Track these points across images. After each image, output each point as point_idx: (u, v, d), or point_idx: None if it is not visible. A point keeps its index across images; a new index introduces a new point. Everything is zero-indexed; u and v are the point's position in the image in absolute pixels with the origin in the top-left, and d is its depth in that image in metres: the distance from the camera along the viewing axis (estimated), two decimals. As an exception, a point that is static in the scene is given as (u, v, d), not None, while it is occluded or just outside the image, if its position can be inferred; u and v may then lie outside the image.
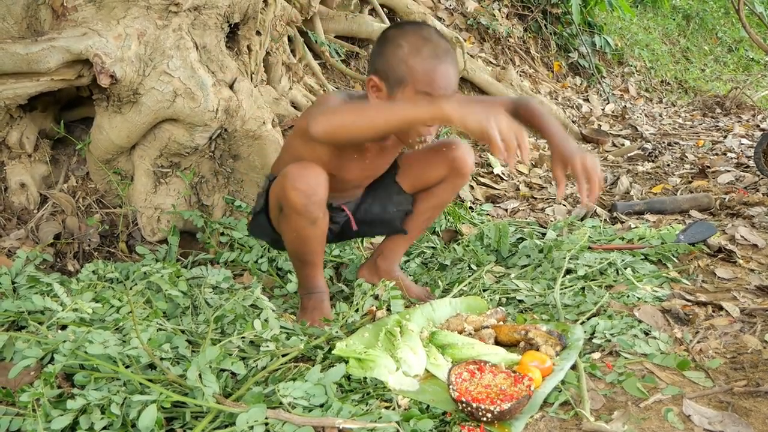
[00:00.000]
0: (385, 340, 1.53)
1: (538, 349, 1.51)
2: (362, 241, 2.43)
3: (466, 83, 4.52)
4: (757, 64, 9.55)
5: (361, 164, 1.83)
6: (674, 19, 9.38)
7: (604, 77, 6.41)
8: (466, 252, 2.34)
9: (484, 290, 2.00)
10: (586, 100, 5.80)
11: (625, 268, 2.02)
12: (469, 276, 2.11)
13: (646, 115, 5.93)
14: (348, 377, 1.40)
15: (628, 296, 1.82)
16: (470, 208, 2.92)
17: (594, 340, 1.58)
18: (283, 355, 1.47)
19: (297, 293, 1.96)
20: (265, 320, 1.59)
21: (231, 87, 2.30)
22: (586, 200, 1.57)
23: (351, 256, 2.34)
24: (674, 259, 2.12)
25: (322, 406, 1.26)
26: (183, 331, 1.62)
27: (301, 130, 1.78)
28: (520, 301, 1.91)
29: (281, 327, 1.63)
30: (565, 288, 1.93)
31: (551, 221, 2.76)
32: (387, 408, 1.30)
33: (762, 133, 4.31)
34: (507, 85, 4.63)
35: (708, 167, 3.64)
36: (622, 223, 2.71)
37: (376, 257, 2.07)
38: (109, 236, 2.30)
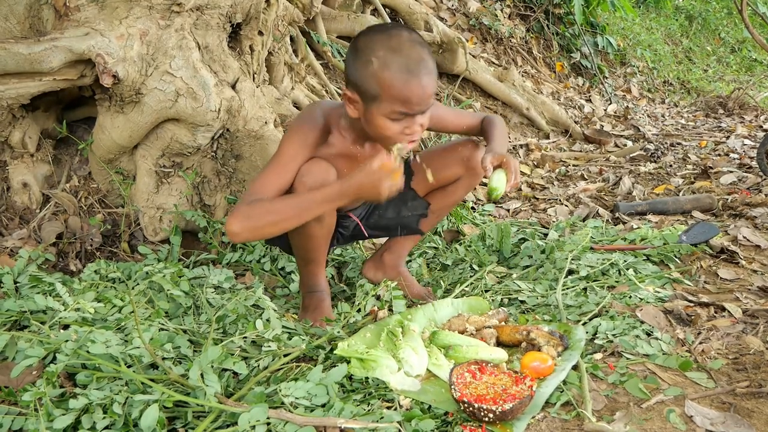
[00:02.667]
0: (387, 340, 1.53)
1: (539, 350, 1.50)
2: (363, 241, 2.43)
3: (469, 84, 4.52)
4: (760, 65, 9.54)
5: (350, 168, 1.77)
6: (677, 20, 9.37)
7: (607, 78, 6.41)
8: (468, 252, 2.34)
9: (486, 291, 2.00)
10: (589, 100, 5.79)
11: (628, 269, 2.02)
12: (471, 276, 2.11)
13: (648, 116, 5.93)
14: (350, 377, 1.41)
15: (630, 297, 1.82)
16: (472, 208, 2.92)
17: (596, 341, 1.58)
18: (285, 355, 1.47)
19: (299, 292, 1.96)
20: (267, 320, 1.59)
21: (233, 87, 2.30)
22: (509, 186, 1.72)
23: (353, 255, 2.34)
24: (676, 259, 2.11)
25: (323, 406, 1.26)
26: (185, 331, 1.62)
27: None
28: (522, 302, 1.91)
29: (283, 327, 1.63)
30: (567, 288, 1.93)
31: (553, 222, 2.76)
32: (389, 408, 1.30)
33: (765, 133, 4.31)
34: (509, 86, 4.63)
35: (710, 168, 3.63)
36: (624, 223, 2.71)
37: (382, 252, 2.08)
38: (111, 236, 2.31)
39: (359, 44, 1.58)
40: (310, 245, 1.79)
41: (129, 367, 1.33)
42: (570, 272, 2.05)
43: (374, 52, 1.53)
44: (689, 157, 4.09)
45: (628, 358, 1.48)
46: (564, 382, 1.38)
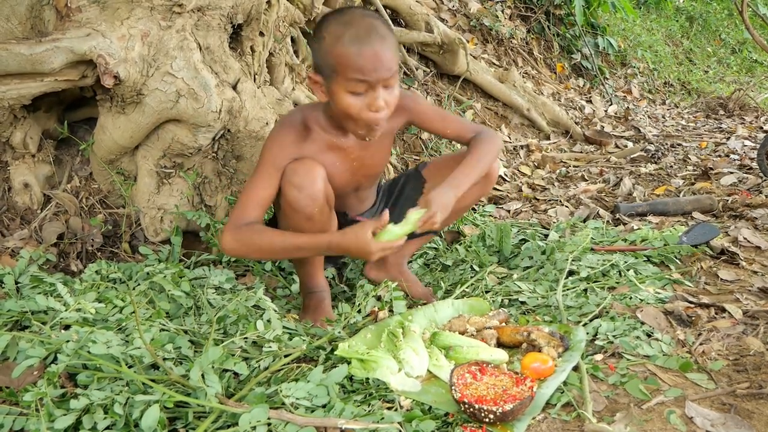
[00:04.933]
0: (388, 341, 1.53)
1: (540, 351, 1.51)
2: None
3: (469, 84, 4.52)
4: (761, 66, 9.54)
5: (346, 165, 1.80)
6: (677, 21, 9.37)
7: (607, 79, 6.41)
8: (469, 253, 2.34)
9: (486, 291, 2.00)
10: (589, 101, 5.79)
11: (628, 270, 2.02)
12: (471, 277, 2.11)
13: (649, 117, 5.93)
14: (350, 378, 1.41)
15: (630, 298, 1.82)
16: (473, 209, 2.92)
17: (596, 342, 1.58)
18: (286, 356, 1.47)
19: (300, 293, 1.97)
20: (268, 321, 1.59)
21: (234, 88, 2.30)
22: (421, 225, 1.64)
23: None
24: (677, 260, 2.11)
25: (324, 406, 1.26)
26: (186, 332, 1.62)
27: None
28: (523, 303, 1.91)
29: (284, 327, 1.63)
30: (568, 289, 1.93)
31: (554, 222, 2.76)
32: (389, 409, 1.30)
33: (765, 134, 4.31)
34: (510, 87, 4.63)
35: (711, 169, 3.63)
36: (624, 224, 2.71)
37: None
38: (112, 236, 2.31)
39: (317, 27, 1.62)
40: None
41: (130, 367, 1.33)
42: (570, 273, 2.05)
43: (326, 28, 1.58)
44: (690, 158, 4.09)
45: (628, 359, 1.48)
46: (564, 383, 1.38)
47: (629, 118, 5.56)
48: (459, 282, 2.08)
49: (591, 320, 1.70)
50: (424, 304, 1.88)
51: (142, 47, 2.06)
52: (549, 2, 5.95)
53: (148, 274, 1.90)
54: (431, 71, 4.31)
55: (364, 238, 1.56)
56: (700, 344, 1.54)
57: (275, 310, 1.64)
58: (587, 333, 1.61)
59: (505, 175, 3.67)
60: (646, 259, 2.13)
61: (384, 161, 1.92)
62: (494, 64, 5.09)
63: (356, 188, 1.91)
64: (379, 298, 1.78)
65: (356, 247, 1.58)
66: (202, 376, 1.24)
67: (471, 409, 1.23)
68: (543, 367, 1.41)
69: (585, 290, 1.93)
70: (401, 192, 2.05)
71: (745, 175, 3.43)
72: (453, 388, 1.29)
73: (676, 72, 8.02)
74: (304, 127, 1.73)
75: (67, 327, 1.52)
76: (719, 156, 4.13)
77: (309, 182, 1.65)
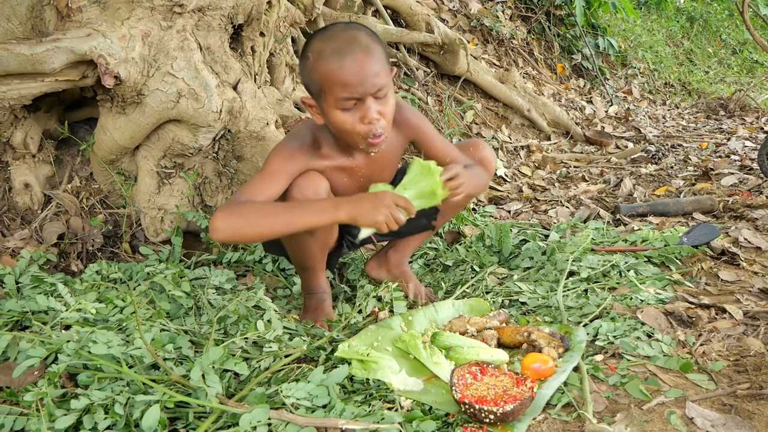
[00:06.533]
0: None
1: (540, 351, 1.51)
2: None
3: (470, 85, 4.53)
4: (761, 67, 9.54)
5: (354, 183, 1.77)
6: (678, 21, 9.37)
7: (608, 79, 6.41)
8: (469, 253, 2.34)
9: (486, 292, 2.00)
10: (590, 102, 5.79)
11: (628, 271, 2.02)
12: (471, 278, 2.11)
13: (649, 117, 5.93)
14: (351, 378, 1.41)
15: (631, 298, 1.82)
16: (473, 209, 2.92)
17: (597, 342, 1.58)
18: (286, 356, 1.47)
19: (301, 293, 1.97)
20: (268, 321, 1.59)
21: (235, 88, 2.30)
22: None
23: (353, 256, 2.34)
24: (677, 261, 2.11)
25: (324, 406, 1.26)
26: (186, 332, 1.62)
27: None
28: (523, 303, 1.91)
29: (284, 328, 1.63)
30: (568, 290, 1.93)
31: (554, 223, 2.76)
32: (390, 409, 1.30)
33: (766, 135, 4.31)
34: (510, 87, 4.63)
35: (711, 170, 3.63)
36: (625, 225, 2.71)
37: (387, 250, 2.08)
38: (112, 236, 2.31)
39: (303, 48, 1.58)
40: (305, 255, 1.79)
41: (130, 367, 1.33)
42: (571, 274, 2.05)
43: (310, 47, 1.54)
44: (690, 159, 4.09)
45: (628, 360, 1.48)
46: (565, 383, 1.38)
47: (630, 118, 5.56)
48: (459, 282, 2.08)
49: (591, 321, 1.70)
50: (425, 304, 1.88)
51: (143, 47, 2.06)
52: (550, 3, 5.95)
53: (148, 274, 1.90)
54: (432, 71, 4.31)
55: (380, 191, 1.51)
56: (701, 345, 1.54)
57: (276, 311, 1.64)
58: (588, 333, 1.61)
59: (506, 175, 3.67)
60: (646, 259, 2.13)
61: (392, 172, 1.90)
62: (495, 64, 5.09)
63: None
64: (379, 299, 1.78)
65: (371, 198, 1.50)
66: (203, 376, 1.24)
67: (471, 410, 1.23)
68: (543, 367, 1.41)
69: (585, 291, 1.93)
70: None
71: (745, 175, 3.43)
72: (453, 388, 1.29)
73: (677, 72, 8.02)
74: (314, 144, 1.69)
75: (67, 327, 1.52)
76: (720, 157, 4.13)
77: (312, 196, 1.62)
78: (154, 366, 1.39)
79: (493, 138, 4.25)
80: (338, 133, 1.61)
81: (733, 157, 4.05)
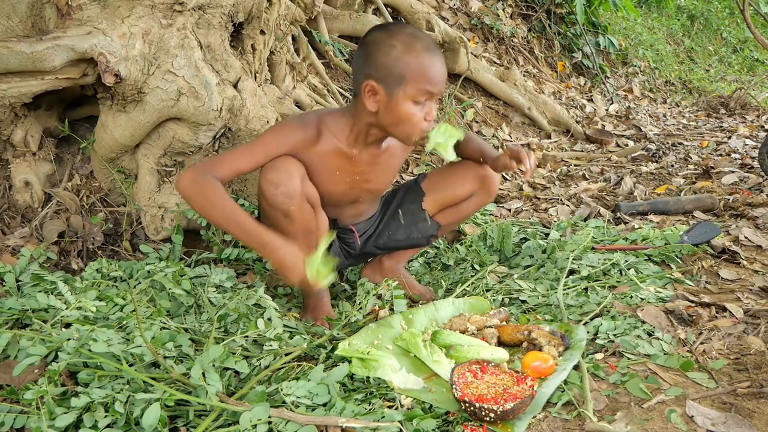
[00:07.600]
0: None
1: (541, 350, 1.51)
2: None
3: (470, 83, 4.52)
4: (762, 65, 9.53)
5: (347, 176, 1.79)
6: (679, 20, 9.36)
7: (608, 77, 6.40)
8: (470, 252, 2.34)
9: (487, 290, 2.00)
10: (590, 100, 5.79)
11: (629, 269, 2.02)
12: (472, 276, 2.11)
13: (650, 116, 5.92)
14: (351, 376, 1.41)
15: (631, 297, 1.82)
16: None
17: (597, 341, 1.58)
18: (287, 354, 1.48)
19: (300, 292, 1.97)
20: (269, 319, 1.59)
21: (235, 86, 2.30)
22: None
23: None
24: (678, 259, 2.11)
25: (325, 405, 1.26)
26: (186, 330, 1.62)
27: None
28: (523, 302, 1.91)
29: (284, 326, 1.63)
30: (569, 288, 1.93)
31: (554, 221, 2.75)
32: (390, 407, 1.30)
33: (766, 133, 4.30)
34: (511, 85, 4.63)
35: (712, 168, 3.63)
36: (625, 223, 2.71)
37: (381, 256, 2.08)
38: (112, 235, 2.31)
39: (376, 37, 1.63)
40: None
41: (131, 365, 1.33)
42: (571, 272, 2.05)
43: (395, 37, 1.60)
44: (691, 157, 4.09)
45: (629, 358, 1.48)
46: (565, 381, 1.38)
47: (630, 117, 5.56)
48: (460, 281, 2.08)
49: (592, 319, 1.70)
50: (425, 302, 1.88)
51: (143, 45, 2.06)
52: (550, 1, 5.94)
53: (148, 272, 1.90)
54: (432, 70, 4.30)
55: (296, 259, 1.54)
56: (701, 343, 1.54)
57: (276, 309, 1.64)
58: (588, 332, 1.61)
59: (506, 173, 3.67)
60: (647, 258, 2.13)
61: (388, 180, 1.92)
62: (495, 62, 5.09)
63: (354, 201, 1.90)
64: (379, 297, 1.78)
65: (284, 262, 1.55)
66: (203, 374, 1.24)
67: (472, 408, 1.23)
68: (544, 365, 1.41)
69: (586, 289, 1.93)
70: (400, 204, 2.05)
71: (746, 174, 3.43)
72: (454, 386, 1.30)
73: (678, 71, 8.01)
74: (316, 131, 1.72)
75: (68, 325, 1.52)
76: (720, 155, 4.13)
77: (285, 178, 1.63)
78: (155, 364, 1.39)
79: (493, 136, 4.25)
80: (397, 123, 1.64)
81: (733, 155, 4.05)
